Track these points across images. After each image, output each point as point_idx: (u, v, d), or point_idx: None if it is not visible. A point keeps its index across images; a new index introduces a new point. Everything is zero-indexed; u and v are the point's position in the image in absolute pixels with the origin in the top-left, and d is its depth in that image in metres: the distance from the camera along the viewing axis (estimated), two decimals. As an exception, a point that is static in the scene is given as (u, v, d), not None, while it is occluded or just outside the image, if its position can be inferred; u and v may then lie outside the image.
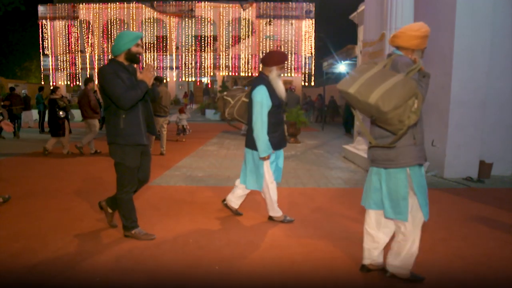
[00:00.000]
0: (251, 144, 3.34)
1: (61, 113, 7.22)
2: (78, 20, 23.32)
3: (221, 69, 22.99)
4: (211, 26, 23.24)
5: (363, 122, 2.20)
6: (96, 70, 22.78)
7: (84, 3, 23.17)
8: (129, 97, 2.71)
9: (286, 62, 3.31)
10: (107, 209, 3.21)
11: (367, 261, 2.45)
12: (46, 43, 23.65)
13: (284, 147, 3.51)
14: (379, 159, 2.25)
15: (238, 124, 4.73)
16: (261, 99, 3.18)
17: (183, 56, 23.25)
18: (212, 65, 23.13)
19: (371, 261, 2.44)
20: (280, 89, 3.31)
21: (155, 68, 22.93)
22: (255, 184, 3.40)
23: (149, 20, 23.37)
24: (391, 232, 2.40)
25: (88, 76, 22.70)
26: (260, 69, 3.41)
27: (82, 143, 7.43)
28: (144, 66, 3.05)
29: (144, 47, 3.94)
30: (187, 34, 23.29)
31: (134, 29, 22.14)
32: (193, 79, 23.68)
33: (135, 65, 2.98)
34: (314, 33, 22.97)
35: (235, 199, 3.65)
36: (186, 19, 23.01)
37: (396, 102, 1.84)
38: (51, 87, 8.47)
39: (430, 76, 2.16)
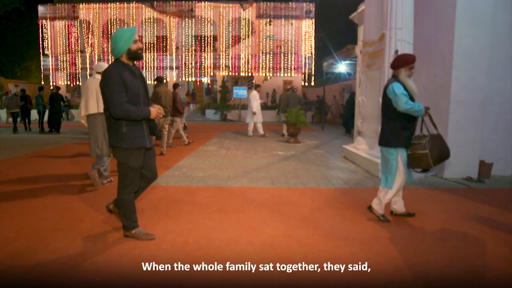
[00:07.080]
0: (383, 141, 3.44)
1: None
2: (78, 20, 23.29)
3: (221, 69, 22.96)
4: (211, 26, 23.21)
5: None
6: (96, 70, 22.69)
7: (84, 3, 23.14)
8: (125, 110, 2.68)
9: (414, 63, 3.40)
10: (116, 211, 3.19)
11: None
12: (46, 43, 23.61)
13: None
14: None
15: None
16: (399, 91, 3.26)
17: (183, 56, 23.23)
18: (212, 65, 23.10)
19: None
20: (412, 88, 3.36)
21: (157, 67, 22.95)
22: (385, 182, 3.48)
23: (149, 20, 23.34)
24: None
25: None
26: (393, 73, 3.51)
27: (185, 140, 9.06)
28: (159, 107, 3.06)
29: (143, 45, 3.96)
30: (187, 34, 23.26)
31: (134, 29, 22.00)
32: (193, 79, 23.65)
33: (137, 63, 2.96)
34: (314, 33, 22.94)
35: (395, 205, 3.67)
36: (186, 19, 22.98)
37: None
38: (51, 87, 9.49)
39: None
